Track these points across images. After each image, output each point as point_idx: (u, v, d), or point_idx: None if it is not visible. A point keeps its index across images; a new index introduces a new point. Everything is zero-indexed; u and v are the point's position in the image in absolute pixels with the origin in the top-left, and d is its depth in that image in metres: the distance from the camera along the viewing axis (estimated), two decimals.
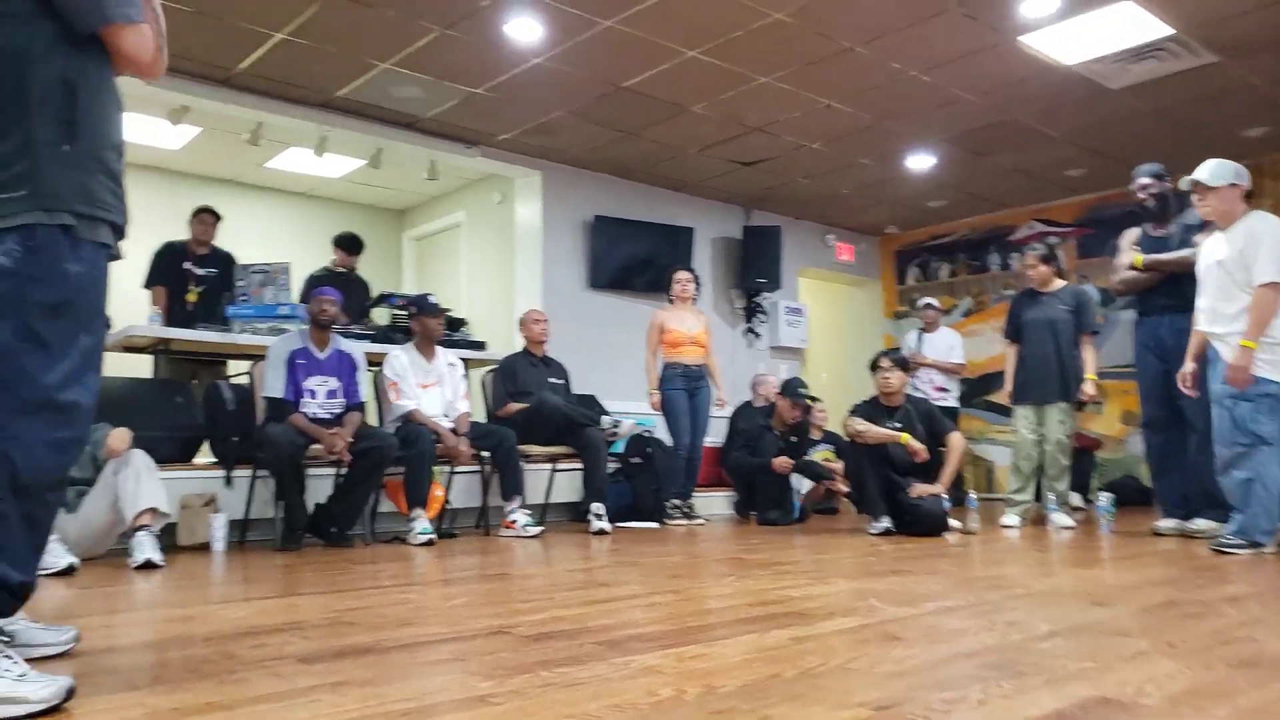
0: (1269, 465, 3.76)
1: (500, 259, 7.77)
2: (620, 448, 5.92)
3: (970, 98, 6.03)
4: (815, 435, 6.60)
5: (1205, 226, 4.50)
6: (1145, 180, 4.74)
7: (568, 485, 5.69)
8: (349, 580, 3.14)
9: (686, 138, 6.73)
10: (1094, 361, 5.29)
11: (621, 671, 1.71)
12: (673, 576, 3.16)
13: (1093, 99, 6.09)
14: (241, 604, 2.67)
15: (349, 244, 6.34)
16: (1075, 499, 6.64)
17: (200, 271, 5.51)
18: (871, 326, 9.52)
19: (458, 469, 5.17)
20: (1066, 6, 4.86)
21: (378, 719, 1.41)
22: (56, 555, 3.23)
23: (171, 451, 4.47)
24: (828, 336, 9.70)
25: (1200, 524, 4.45)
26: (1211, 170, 3.96)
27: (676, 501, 5.85)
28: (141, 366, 5.30)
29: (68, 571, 3.26)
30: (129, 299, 5.38)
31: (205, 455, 4.87)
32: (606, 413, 5.73)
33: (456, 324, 6.10)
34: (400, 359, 4.92)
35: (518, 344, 5.80)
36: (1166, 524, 4.63)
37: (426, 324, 5.00)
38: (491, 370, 5.63)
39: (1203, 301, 4.07)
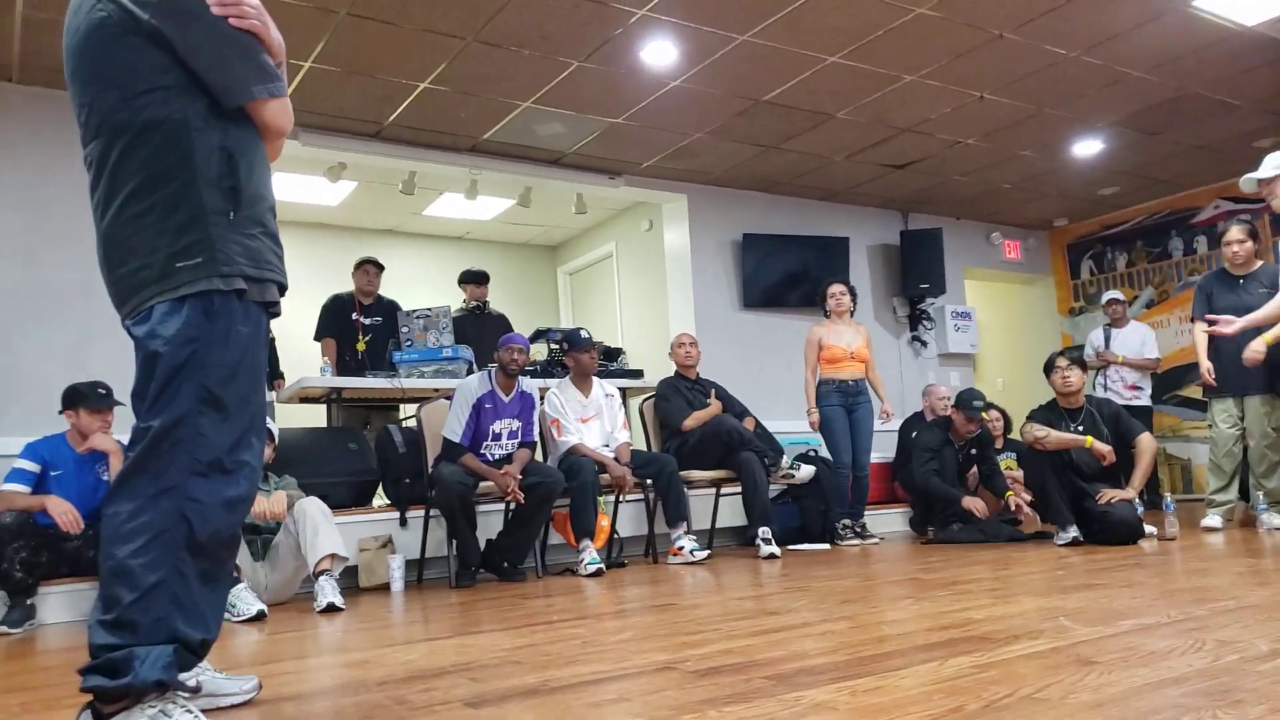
0: None
1: (652, 286, 7.81)
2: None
3: (1138, 74, 5.60)
4: (999, 445, 6.24)
5: None
6: None
7: (732, 509, 5.60)
8: (520, 616, 3.17)
9: (833, 145, 6.57)
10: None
11: (792, 709, 1.61)
12: (845, 601, 3.02)
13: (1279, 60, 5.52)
14: (415, 645, 2.73)
15: (477, 278, 6.32)
16: None
17: (367, 321, 5.78)
18: (1046, 326, 8.97)
19: (623, 499, 5.18)
20: None
21: None
22: (248, 602, 3.43)
23: (348, 496, 4.70)
24: (1000, 339, 9.22)
25: None
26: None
27: (848, 521, 5.65)
28: (316, 416, 5.62)
29: (258, 618, 3.45)
30: (301, 352, 5.74)
31: (380, 498, 5.09)
32: (772, 438, 5.59)
33: (614, 354, 6.15)
34: (558, 397, 5.00)
35: (671, 370, 5.78)
36: None
37: (580, 359, 5.05)
38: (648, 398, 5.64)
39: None
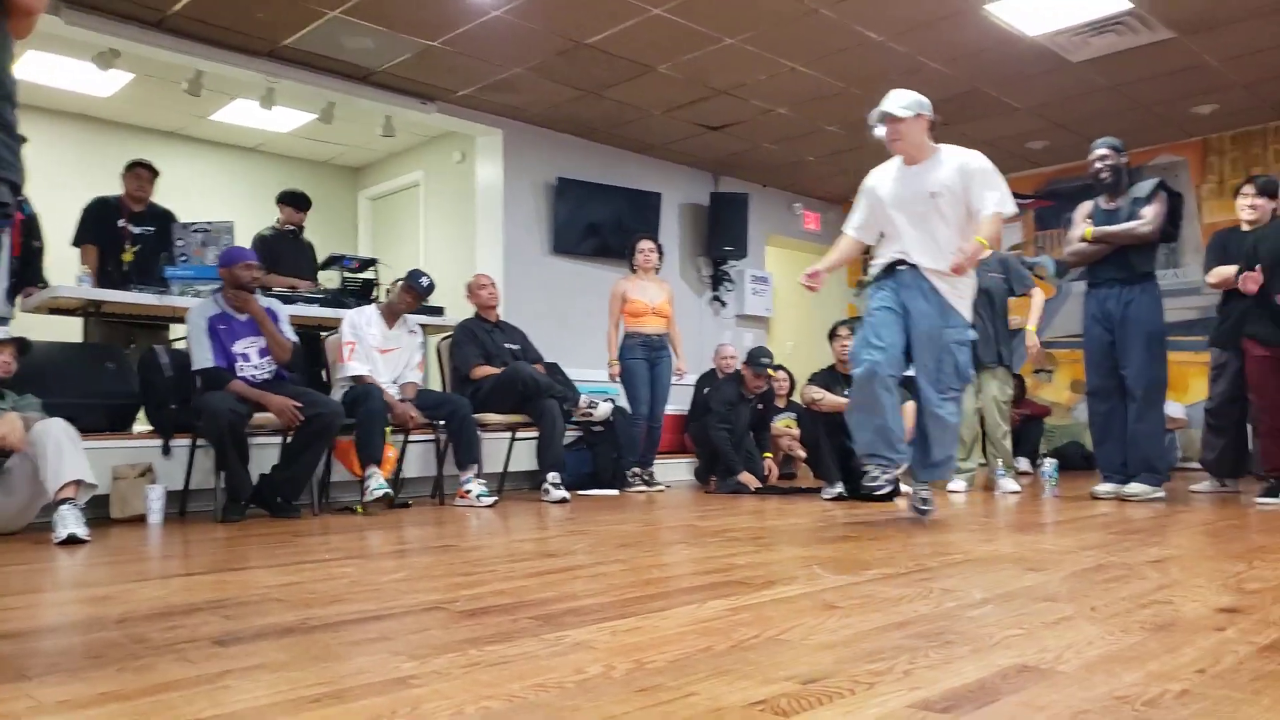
0: None
1: (461, 221, 7.59)
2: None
3: (936, 66, 5.95)
4: (779, 404, 6.57)
5: (1153, 199, 4.55)
6: (1103, 151, 4.76)
7: (527, 454, 5.60)
8: (289, 553, 3.03)
9: (652, 99, 6.59)
10: (1036, 317, 5.36)
11: (552, 648, 1.63)
12: (622, 545, 3.09)
13: (1055, 71, 6.06)
14: (166, 581, 2.55)
15: (296, 200, 5.98)
16: (1023, 464, 6.70)
17: (136, 230, 5.25)
18: (835, 296, 9.48)
19: (412, 438, 5.05)
20: None
21: (288, 705, 1.32)
22: None
23: (101, 420, 4.31)
24: (793, 306, 9.66)
25: (1134, 488, 4.57)
26: (901, 101, 3.73)
27: (637, 470, 5.79)
28: (70, 330, 5.10)
29: None
30: (55, 257, 5.15)
31: (142, 424, 4.71)
32: (570, 383, 5.61)
33: None
34: (361, 318, 4.79)
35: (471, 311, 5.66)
36: (1104, 488, 4.72)
37: (405, 297, 4.92)
38: (447, 338, 5.50)
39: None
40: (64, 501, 3.33)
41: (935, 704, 1.29)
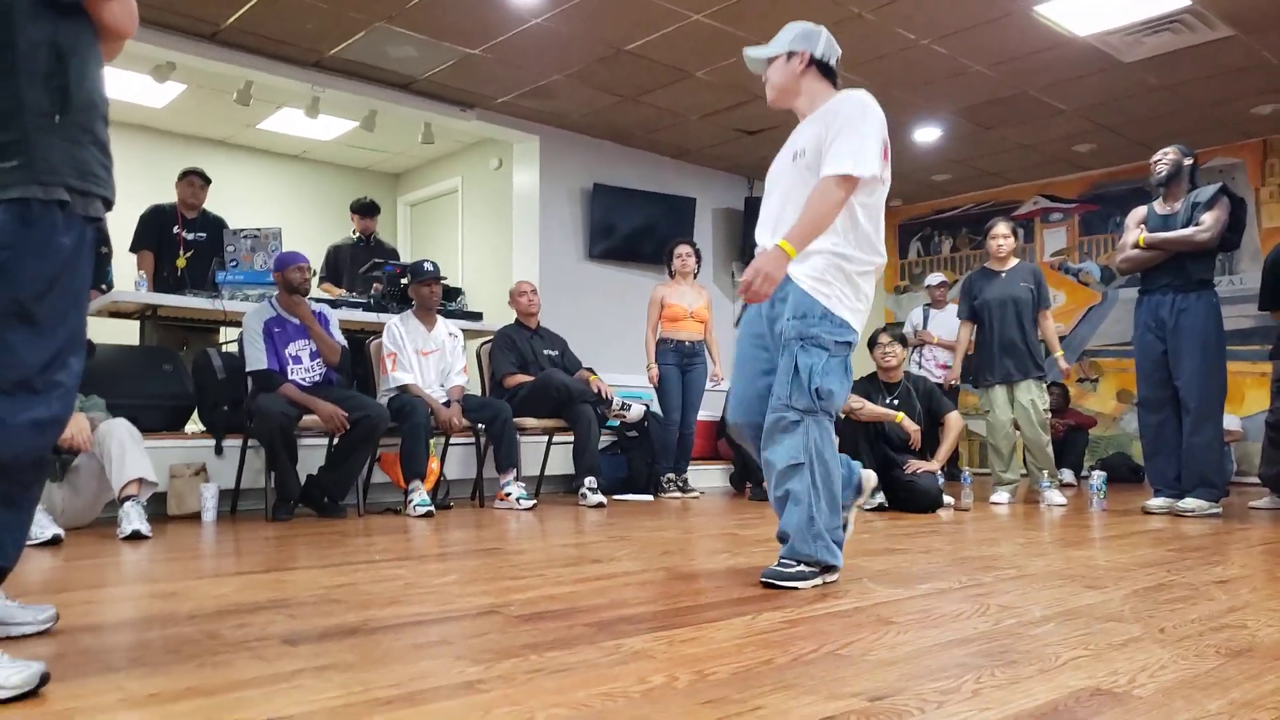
0: None
1: (498, 227, 7.67)
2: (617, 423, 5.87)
3: (981, 69, 5.92)
4: None
5: (1213, 205, 4.46)
6: (1169, 149, 4.64)
7: (563, 458, 5.65)
8: (340, 554, 3.09)
9: (689, 104, 6.62)
10: (1055, 342, 5.37)
11: (611, 656, 1.66)
12: (665, 553, 3.12)
13: (1105, 72, 5.98)
14: (228, 579, 2.62)
15: (363, 209, 6.24)
16: (1068, 476, 6.62)
17: (189, 236, 5.39)
18: (874, 302, 9.41)
19: (453, 441, 5.12)
20: None
21: (362, 707, 1.37)
22: (42, 526, 3.18)
23: (159, 420, 4.42)
24: None
25: (1189, 504, 4.46)
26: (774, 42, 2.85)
27: (671, 475, 5.81)
28: (128, 333, 5.22)
29: (53, 542, 3.21)
30: (114, 263, 5.31)
31: (195, 424, 4.82)
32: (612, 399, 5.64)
33: (453, 293, 6.01)
34: (397, 328, 4.85)
35: (512, 316, 5.72)
36: (1157, 503, 4.62)
37: (420, 292, 4.92)
38: (486, 343, 5.56)
39: None
40: (128, 498, 3.45)
41: None
